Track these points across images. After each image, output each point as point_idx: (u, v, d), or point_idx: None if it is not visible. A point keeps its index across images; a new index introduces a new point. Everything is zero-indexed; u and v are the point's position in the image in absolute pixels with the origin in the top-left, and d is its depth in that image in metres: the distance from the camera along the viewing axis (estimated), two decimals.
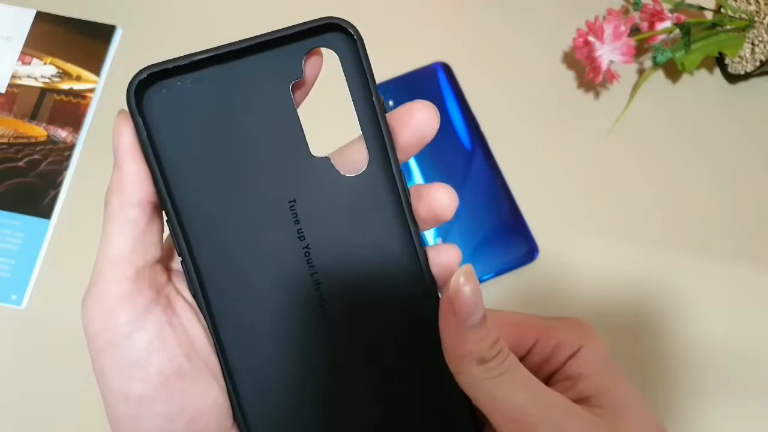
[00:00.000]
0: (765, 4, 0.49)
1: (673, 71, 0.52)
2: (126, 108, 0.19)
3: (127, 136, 0.19)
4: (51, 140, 0.48)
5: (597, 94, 0.51)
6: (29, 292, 0.45)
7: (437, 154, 0.48)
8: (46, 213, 0.46)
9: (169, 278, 0.21)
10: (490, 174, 0.48)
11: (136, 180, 0.19)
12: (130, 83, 0.19)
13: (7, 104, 0.49)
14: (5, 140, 0.48)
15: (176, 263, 0.22)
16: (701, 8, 0.51)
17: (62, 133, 0.48)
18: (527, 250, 0.46)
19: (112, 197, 0.19)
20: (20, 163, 0.47)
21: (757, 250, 0.48)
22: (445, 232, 0.46)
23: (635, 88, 0.51)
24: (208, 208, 0.20)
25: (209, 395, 0.20)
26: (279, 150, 0.20)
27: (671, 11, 0.49)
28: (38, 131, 0.48)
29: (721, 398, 0.44)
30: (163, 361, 0.19)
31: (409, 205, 0.21)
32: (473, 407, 0.22)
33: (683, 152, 0.50)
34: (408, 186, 0.21)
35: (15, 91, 0.49)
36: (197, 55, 0.19)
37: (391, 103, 0.49)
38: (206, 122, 0.20)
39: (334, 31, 0.21)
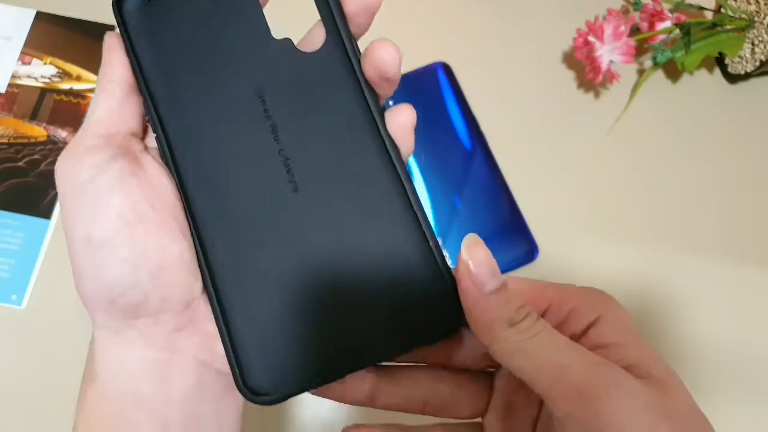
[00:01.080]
0: (765, 4, 0.49)
1: (673, 71, 0.52)
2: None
3: (111, 39, 0.22)
4: (51, 140, 0.48)
5: (597, 94, 0.51)
6: (29, 292, 0.45)
7: (437, 153, 0.48)
8: (46, 213, 0.46)
9: (145, 149, 0.22)
10: (490, 174, 0.48)
11: (115, 63, 0.22)
12: None
13: (7, 104, 0.49)
14: (5, 140, 0.48)
15: (153, 141, 0.23)
16: (701, 8, 0.51)
17: (62, 133, 0.48)
18: (527, 250, 0.46)
19: (99, 79, 0.22)
20: (20, 163, 0.47)
21: (757, 250, 0.48)
22: (445, 231, 0.46)
23: (635, 88, 0.51)
24: (178, 88, 0.22)
25: (174, 247, 0.21)
26: (244, 38, 0.23)
27: (671, 11, 0.49)
28: (38, 131, 0.48)
29: (721, 398, 0.44)
30: (125, 204, 0.20)
31: (362, 72, 0.23)
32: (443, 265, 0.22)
33: (683, 152, 0.50)
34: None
35: (15, 91, 0.49)
36: None
37: (391, 102, 0.49)
38: (177, 20, 0.22)
39: None
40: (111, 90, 0.21)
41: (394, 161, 0.22)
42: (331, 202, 0.22)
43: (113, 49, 0.22)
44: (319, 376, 0.21)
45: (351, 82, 0.22)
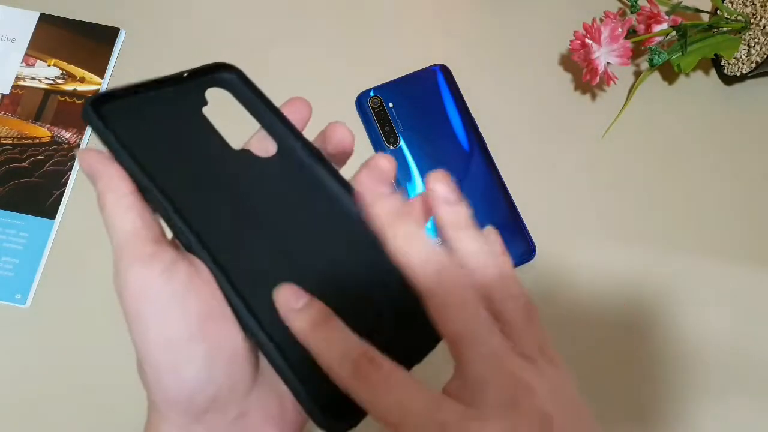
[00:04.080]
0: (761, 6, 0.50)
1: (669, 73, 0.52)
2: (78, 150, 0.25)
3: (92, 155, 0.23)
4: (55, 141, 0.48)
5: (594, 96, 0.52)
6: (33, 291, 0.45)
7: (436, 154, 0.48)
8: (50, 213, 0.47)
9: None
10: (488, 174, 0.48)
11: (120, 176, 0.23)
12: (87, 106, 0.23)
13: (12, 105, 0.49)
14: (9, 141, 0.48)
15: None
16: (698, 10, 0.52)
17: (66, 134, 0.49)
18: (525, 250, 0.47)
19: (106, 197, 0.23)
20: (24, 164, 0.48)
21: (755, 250, 0.48)
22: None
23: (632, 89, 0.51)
24: (176, 188, 0.24)
25: (238, 338, 0.22)
26: (207, 149, 0.25)
27: (668, 13, 0.49)
28: (42, 132, 0.49)
29: (721, 398, 0.45)
30: (196, 304, 0.21)
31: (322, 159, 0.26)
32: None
33: (680, 153, 0.50)
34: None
35: (19, 92, 0.49)
36: (131, 86, 0.25)
37: (390, 104, 0.49)
38: (151, 132, 0.25)
39: (223, 71, 0.27)
40: (132, 203, 0.22)
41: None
42: (329, 250, 0.25)
43: (104, 163, 0.23)
44: None
45: (317, 169, 0.26)
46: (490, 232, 0.24)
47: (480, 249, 0.22)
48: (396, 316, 0.24)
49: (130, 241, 0.22)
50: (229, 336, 0.22)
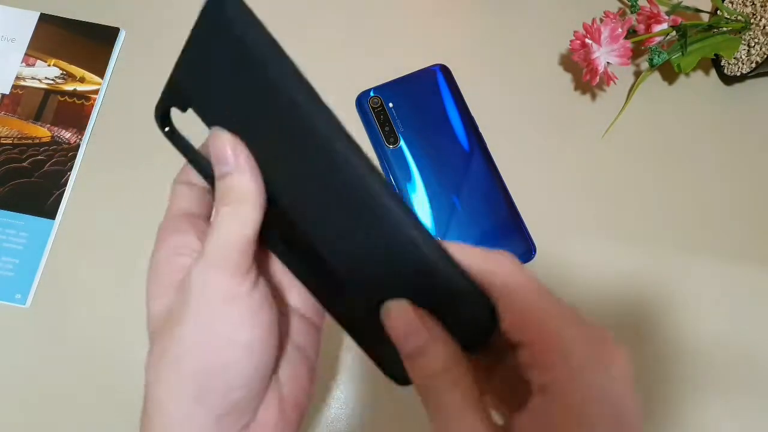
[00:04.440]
0: (761, 6, 0.50)
1: (669, 73, 0.52)
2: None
3: (229, 138, 0.22)
4: (55, 141, 0.48)
5: (594, 96, 0.52)
6: (33, 291, 0.45)
7: (436, 154, 0.48)
8: (50, 213, 0.47)
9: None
10: (488, 174, 0.48)
11: (253, 177, 0.23)
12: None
13: (12, 105, 0.49)
14: (9, 141, 0.48)
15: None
16: (697, 10, 0.52)
17: (66, 134, 0.49)
18: (524, 250, 0.47)
19: (228, 196, 0.22)
20: (24, 164, 0.48)
21: (754, 250, 0.48)
22: (443, 231, 0.46)
23: (632, 89, 0.51)
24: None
25: (273, 351, 0.23)
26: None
27: (668, 13, 0.49)
28: (42, 132, 0.49)
29: (721, 398, 0.45)
30: (264, 319, 0.23)
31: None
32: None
33: (680, 153, 0.50)
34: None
35: (19, 92, 0.49)
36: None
37: (390, 104, 0.49)
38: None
39: None
40: (257, 217, 0.22)
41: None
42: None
43: (238, 154, 0.22)
44: None
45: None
46: None
47: None
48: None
49: (238, 243, 0.22)
50: (271, 354, 0.23)
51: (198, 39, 0.22)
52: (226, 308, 0.22)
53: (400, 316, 0.22)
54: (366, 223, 0.22)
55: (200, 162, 0.25)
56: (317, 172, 0.22)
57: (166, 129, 0.24)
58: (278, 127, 0.22)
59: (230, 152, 0.22)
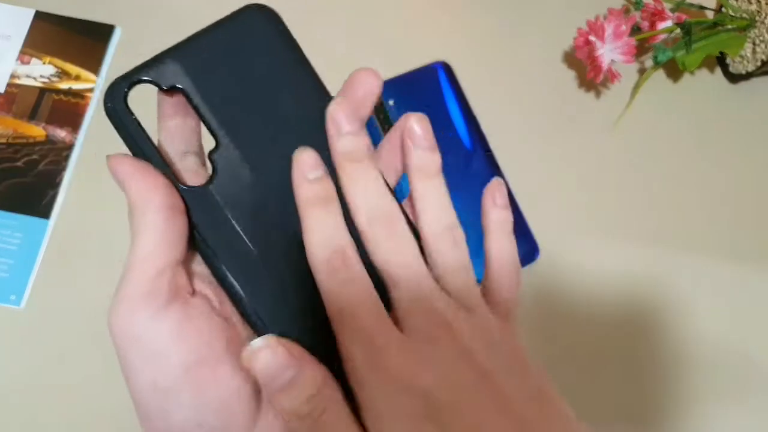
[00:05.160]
0: (766, 4, 0.49)
1: (674, 71, 0.52)
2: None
3: (124, 161, 0.21)
4: (50, 140, 0.48)
5: (598, 94, 0.51)
6: (28, 292, 0.44)
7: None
8: (44, 213, 0.46)
9: (189, 277, 0.22)
10: (490, 174, 0.48)
11: (147, 189, 0.21)
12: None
13: (6, 104, 0.48)
14: (4, 140, 0.47)
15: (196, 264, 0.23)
16: (702, 7, 0.51)
17: (61, 133, 0.48)
18: (528, 251, 0.46)
19: (135, 210, 0.21)
20: (19, 163, 0.47)
21: (759, 250, 0.48)
22: None
23: (636, 87, 0.51)
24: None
25: (233, 382, 0.21)
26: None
27: (672, 10, 0.49)
28: (37, 131, 0.48)
29: (721, 398, 0.44)
30: (184, 352, 0.21)
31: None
32: None
33: (684, 152, 0.50)
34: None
35: (14, 90, 0.49)
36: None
37: (391, 102, 0.49)
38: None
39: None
40: (153, 221, 0.21)
41: None
42: None
43: (134, 170, 0.21)
44: None
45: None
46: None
47: (437, 201, 0.23)
48: None
49: (134, 268, 0.21)
50: (222, 382, 0.21)
51: (223, 31, 0.23)
52: (131, 347, 0.21)
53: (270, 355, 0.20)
54: None
55: (146, 154, 0.22)
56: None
57: (124, 102, 0.22)
58: (272, 130, 0.22)
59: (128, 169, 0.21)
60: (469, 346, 0.21)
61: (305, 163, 0.22)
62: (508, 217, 0.25)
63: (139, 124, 0.22)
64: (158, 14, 0.52)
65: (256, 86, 0.22)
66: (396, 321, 0.21)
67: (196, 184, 0.22)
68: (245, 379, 0.21)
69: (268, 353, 0.20)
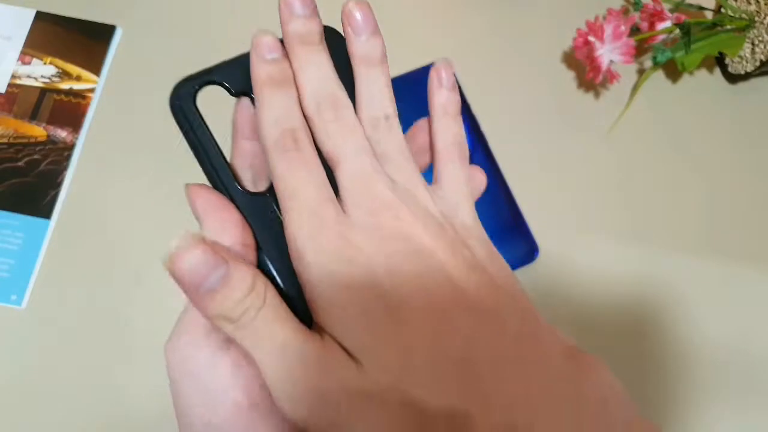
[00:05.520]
0: (765, 4, 0.49)
1: (673, 71, 0.52)
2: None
3: (206, 194, 0.21)
4: (51, 140, 0.48)
5: (597, 94, 0.51)
6: (29, 292, 0.44)
7: None
8: (45, 213, 0.46)
9: None
10: (490, 173, 0.48)
11: (227, 223, 0.21)
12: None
13: (7, 104, 0.48)
14: (5, 140, 0.48)
15: None
16: (701, 8, 0.51)
17: (62, 133, 0.48)
18: (527, 250, 0.46)
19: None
20: (20, 163, 0.47)
21: (758, 250, 0.48)
22: None
23: (635, 88, 0.51)
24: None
25: (284, 426, 0.21)
26: None
27: (671, 11, 0.49)
28: (38, 131, 0.48)
29: (721, 398, 0.44)
30: (239, 393, 0.20)
31: None
32: None
33: (683, 152, 0.50)
34: None
35: (15, 91, 0.49)
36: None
37: None
38: None
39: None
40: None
41: None
42: None
43: (212, 207, 0.21)
44: None
45: None
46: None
47: (378, 91, 0.23)
48: None
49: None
50: (271, 428, 0.21)
51: None
52: (188, 380, 0.20)
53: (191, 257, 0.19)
54: None
55: (217, 171, 0.21)
56: None
57: (193, 103, 0.22)
58: None
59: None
60: (411, 228, 0.20)
61: (264, 44, 0.21)
62: (454, 98, 0.25)
63: (207, 127, 0.21)
64: (159, 15, 0.52)
65: None
66: (342, 204, 0.21)
67: (257, 191, 0.22)
68: (291, 429, 0.21)
69: (194, 255, 0.19)
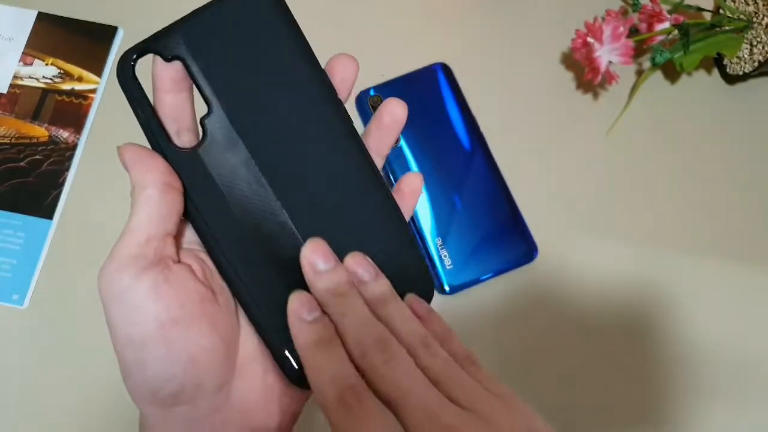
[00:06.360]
0: (763, 5, 0.50)
1: (671, 72, 0.52)
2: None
3: (133, 149, 0.24)
4: (52, 140, 0.48)
5: (596, 95, 0.51)
6: (31, 291, 0.45)
7: (436, 154, 0.48)
8: (47, 213, 0.46)
9: (177, 250, 0.25)
10: (489, 174, 0.48)
11: (150, 167, 0.23)
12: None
13: (9, 105, 0.49)
14: (7, 141, 0.48)
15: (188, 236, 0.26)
16: (700, 9, 0.51)
17: (64, 134, 0.48)
18: (526, 250, 0.46)
19: (135, 187, 0.23)
20: (22, 164, 0.47)
21: (756, 250, 0.48)
22: (444, 232, 0.46)
23: (634, 88, 0.51)
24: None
25: (204, 341, 0.23)
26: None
27: (670, 12, 0.49)
28: (40, 132, 0.48)
29: (721, 398, 0.44)
30: (159, 308, 0.22)
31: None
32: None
33: (682, 153, 0.50)
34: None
35: (17, 91, 0.49)
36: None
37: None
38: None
39: None
40: (148, 196, 0.23)
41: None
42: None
43: (138, 155, 0.23)
44: None
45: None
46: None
47: (405, 319, 0.24)
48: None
49: (126, 235, 0.23)
50: (192, 340, 0.23)
51: (225, 7, 0.25)
52: (112, 303, 0.23)
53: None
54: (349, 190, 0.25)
55: (152, 127, 0.24)
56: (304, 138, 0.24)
57: (132, 72, 0.24)
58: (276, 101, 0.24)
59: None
60: None
61: (303, 305, 0.23)
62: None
63: (143, 92, 0.24)
64: (161, 15, 0.52)
65: (251, 58, 0.24)
66: None
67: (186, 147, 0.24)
68: (220, 341, 0.23)
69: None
